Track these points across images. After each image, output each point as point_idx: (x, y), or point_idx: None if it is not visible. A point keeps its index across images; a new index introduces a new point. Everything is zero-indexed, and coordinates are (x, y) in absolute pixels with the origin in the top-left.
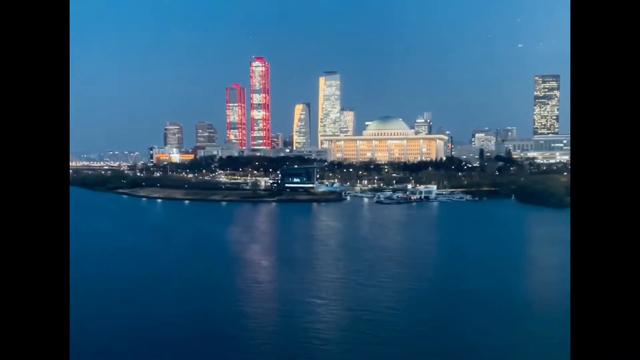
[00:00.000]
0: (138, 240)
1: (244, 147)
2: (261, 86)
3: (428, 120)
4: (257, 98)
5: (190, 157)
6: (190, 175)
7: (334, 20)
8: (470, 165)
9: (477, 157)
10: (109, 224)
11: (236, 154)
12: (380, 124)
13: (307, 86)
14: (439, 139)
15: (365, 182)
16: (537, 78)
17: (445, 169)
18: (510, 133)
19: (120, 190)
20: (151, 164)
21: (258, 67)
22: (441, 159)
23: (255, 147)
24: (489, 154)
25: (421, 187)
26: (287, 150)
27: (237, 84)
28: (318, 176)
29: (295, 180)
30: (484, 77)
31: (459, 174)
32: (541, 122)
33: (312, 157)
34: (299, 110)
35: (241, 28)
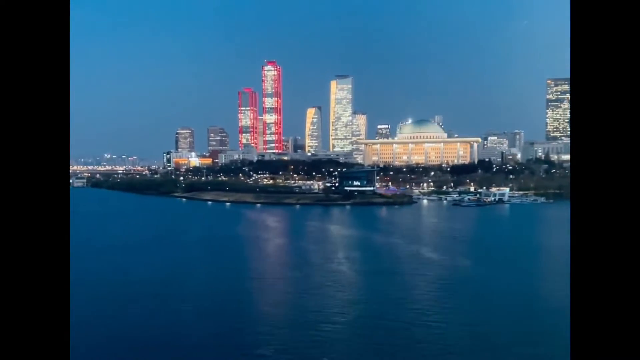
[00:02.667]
0: (313, 246)
1: (265, 151)
2: (273, 90)
3: (440, 124)
4: (269, 102)
5: (209, 161)
6: (225, 178)
7: (345, 24)
8: (510, 168)
9: (499, 159)
10: (237, 230)
11: (256, 158)
12: (416, 127)
13: (319, 90)
14: (474, 141)
15: (425, 185)
16: (549, 81)
17: (489, 172)
18: (518, 136)
19: (176, 194)
20: (170, 168)
21: (270, 71)
22: (479, 161)
23: (281, 151)
24: (510, 157)
25: (494, 190)
26: (309, 154)
27: (248, 87)
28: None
29: (356, 183)
30: (491, 80)
31: (510, 176)
32: (554, 125)
33: (341, 161)
34: (311, 113)
35: (253, 32)
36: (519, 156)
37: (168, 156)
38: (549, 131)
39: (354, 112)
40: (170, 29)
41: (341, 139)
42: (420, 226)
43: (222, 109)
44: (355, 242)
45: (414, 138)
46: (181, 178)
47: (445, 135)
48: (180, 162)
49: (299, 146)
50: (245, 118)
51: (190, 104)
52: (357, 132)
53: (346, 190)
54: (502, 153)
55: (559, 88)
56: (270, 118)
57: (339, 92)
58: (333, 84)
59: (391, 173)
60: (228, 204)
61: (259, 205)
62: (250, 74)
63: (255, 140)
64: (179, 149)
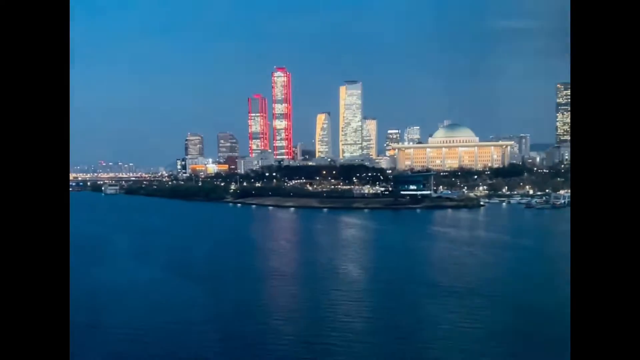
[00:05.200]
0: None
1: (275, 157)
2: (283, 96)
3: None
4: (279, 108)
5: (225, 167)
6: (259, 184)
7: (352, 29)
8: (547, 171)
9: (519, 162)
10: (364, 235)
11: (273, 164)
12: (448, 132)
13: (328, 95)
14: (507, 145)
15: (480, 188)
16: (559, 85)
17: (533, 174)
18: (524, 140)
19: (227, 200)
20: (186, 175)
21: (280, 78)
22: (511, 164)
23: (304, 158)
24: (530, 160)
25: (562, 192)
26: (328, 160)
27: (258, 94)
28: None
29: (412, 187)
30: (494, 83)
31: (557, 179)
32: (564, 129)
33: (368, 165)
34: (321, 119)
35: (262, 39)
36: (537, 159)
37: (183, 162)
38: (559, 134)
39: (364, 118)
40: (175, 33)
41: (351, 144)
42: (533, 228)
43: (230, 115)
44: (505, 245)
45: (447, 142)
46: (225, 183)
47: (477, 139)
48: (197, 168)
49: (306, 152)
50: (255, 124)
51: (195, 110)
52: (368, 137)
53: (415, 194)
54: (523, 157)
55: (569, 92)
56: (280, 124)
57: (349, 97)
58: (342, 90)
59: (431, 176)
60: (292, 209)
61: (325, 210)
62: (259, 80)
63: (265, 147)
64: (188, 155)
